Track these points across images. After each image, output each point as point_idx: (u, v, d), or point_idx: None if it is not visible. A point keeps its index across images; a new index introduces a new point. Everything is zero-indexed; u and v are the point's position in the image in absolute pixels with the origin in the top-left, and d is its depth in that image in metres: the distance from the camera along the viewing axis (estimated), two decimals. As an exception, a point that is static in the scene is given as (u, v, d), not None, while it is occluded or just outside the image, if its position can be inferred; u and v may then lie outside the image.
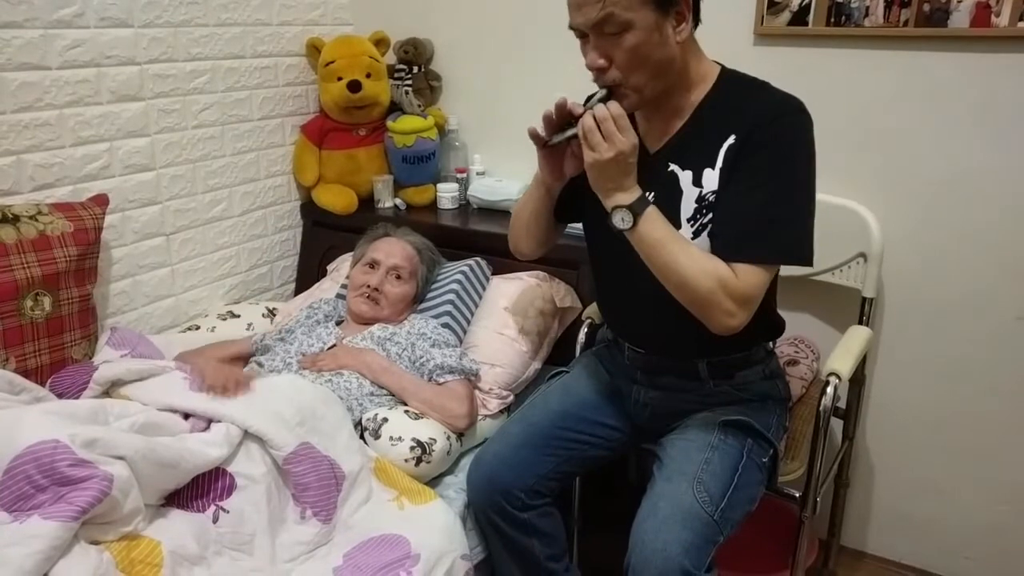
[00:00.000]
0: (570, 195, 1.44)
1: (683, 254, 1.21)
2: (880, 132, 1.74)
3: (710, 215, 1.28)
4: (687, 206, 1.30)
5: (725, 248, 1.24)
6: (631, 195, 1.22)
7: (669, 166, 1.31)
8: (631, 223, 1.22)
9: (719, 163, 1.27)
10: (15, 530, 1.04)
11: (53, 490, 1.09)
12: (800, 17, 1.73)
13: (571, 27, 1.24)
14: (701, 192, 1.29)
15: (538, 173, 1.42)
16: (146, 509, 1.20)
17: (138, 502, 1.17)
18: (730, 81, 1.32)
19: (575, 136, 1.25)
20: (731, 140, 1.26)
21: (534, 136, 1.31)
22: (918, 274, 1.79)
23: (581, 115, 1.22)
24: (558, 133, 1.29)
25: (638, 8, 1.17)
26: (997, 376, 1.76)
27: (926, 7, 1.61)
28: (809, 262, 1.24)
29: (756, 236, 1.22)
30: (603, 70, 1.23)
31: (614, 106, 1.20)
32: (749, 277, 1.21)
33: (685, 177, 1.30)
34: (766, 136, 1.22)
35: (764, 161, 1.22)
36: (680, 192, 1.30)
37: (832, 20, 1.70)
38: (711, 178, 1.28)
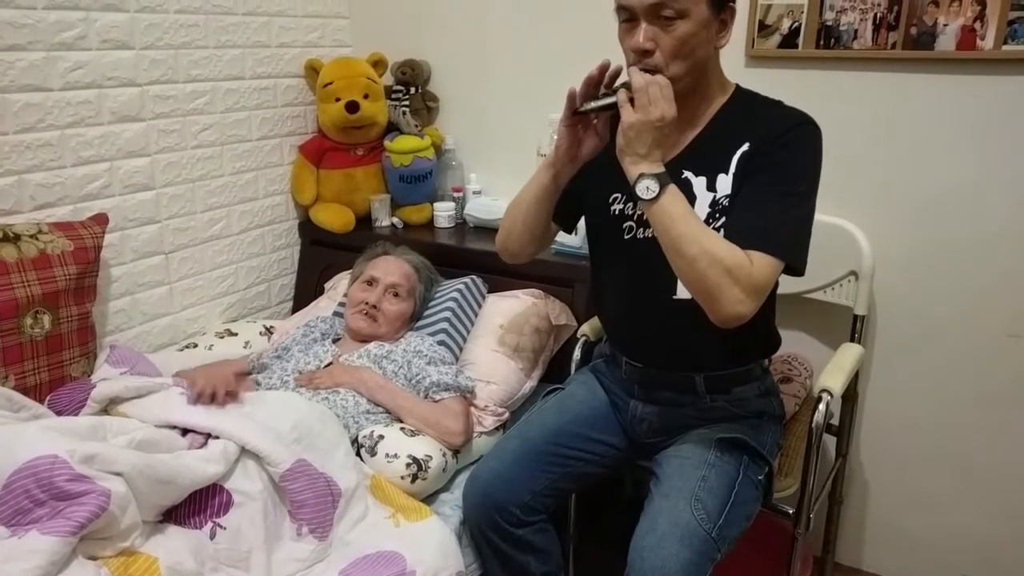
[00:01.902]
0: (570, 201, 1.46)
1: (703, 231, 1.21)
2: (869, 152, 1.77)
3: (723, 219, 1.30)
4: (700, 211, 1.31)
5: (741, 235, 1.24)
6: (658, 167, 1.22)
7: (683, 173, 1.33)
8: (656, 192, 1.20)
9: (732, 168, 1.30)
10: (13, 546, 1.05)
11: (51, 505, 1.09)
12: (790, 40, 1.76)
13: (621, 6, 1.25)
14: (715, 197, 1.31)
15: (548, 156, 1.40)
16: (144, 525, 1.21)
17: (136, 517, 1.17)
18: (746, 96, 1.36)
19: (607, 108, 1.25)
20: (745, 147, 1.29)
21: (571, 98, 1.29)
22: (909, 292, 1.81)
23: (620, 86, 1.22)
24: (590, 101, 1.28)
25: (698, 0, 1.21)
26: (989, 392, 1.77)
27: (913, 30, 1.64)
28: (803, 271, 1.27)
29: (773, 230, 1.24)
30: (647, 53, 1.24)
31: (661, 77, 1.21)
32: (763, 266, 1.21)
33: (699, 183, 1.32)
34: (780, 142, 1.26)
35: (778, 164, 1.26)
36: (693, 198, 1.32)
37: (821, 43, 1.73)
38: (724, 183, 1.30)
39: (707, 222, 1.30)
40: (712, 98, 1.35)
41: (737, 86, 1.37)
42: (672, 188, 1.22)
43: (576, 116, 1.31)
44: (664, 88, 1.20)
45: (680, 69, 1.25)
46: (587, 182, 1.42)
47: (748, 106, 1.34)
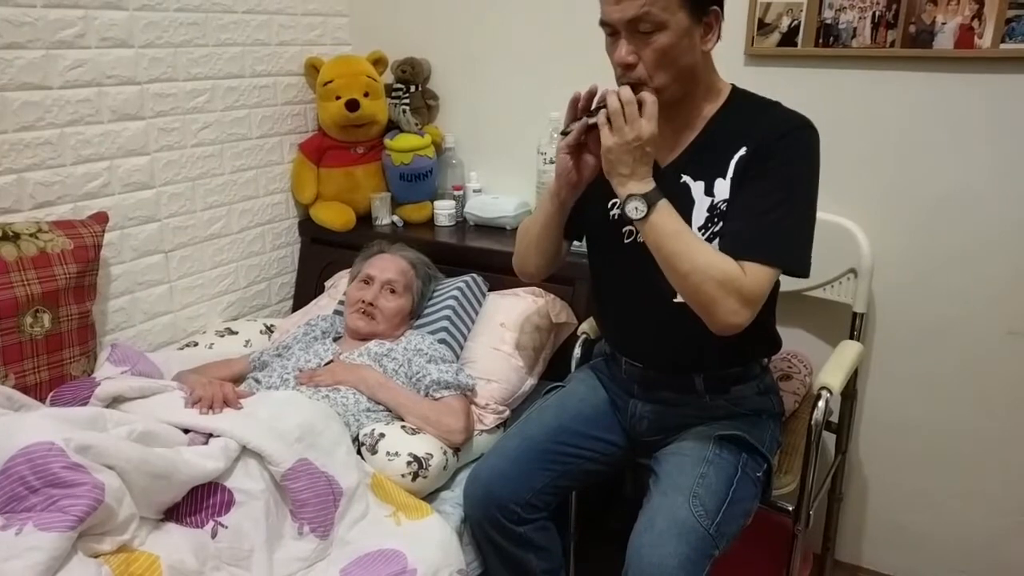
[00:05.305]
0: (574, 214, 1.46)
1: (695, 246, 1.23)
2: (868, 150, 1.77)
3: (721, 223, 1.31)
4: (699, 215, 1.32)
5: (734, 245, 1.25)
6: (646, 185, 1.23)
7: (681, 178, 1.34)
8: (644, 212, 1.22)
9: (730, 173, 1.30)
10: (12, 543, 1.04)
11: (46, 492, 1.08)
12: (789, 38, 1.76)
13: (603, 22, 1.26)
14: (713, 201, 1.31)
15: (551, 186, 1.41)
16: (144, 524, 1.21)
17: (132, 509, 1.17)
18: (742, 98, 1.36)
19: (592, 127, 1.26)
20: (743, 151, 1.29)
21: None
22: (908, 289, 1.81)
23: (600, 106, 1.23)
24: (575, 122, 1.29)
25: (675, 10, 1.20)
26: (988, 389, 1.78)
27: (912, 28, 1.64)
28: (806, 274, 1.27)
29: (765, 238, 1.24)
30: (631, 67, 1.25)
31: (645, 93, 1.22)
32: (757, 275, 1.22)
33: (697, 187, 1.33)
34: (777, 147, 1.26)
35: (774, 170, 1.25)
36: (692, 202, 1.32)
37: (820, 41, 1.73)
38: (722, 187, 1.31)
39: (705, 226, 1.31)
40: (707, 101, 1.35)
41: (733, 87, 1.37)
42: (662, 205, 1.23)
43: (563, 138, 1.32)
44: (648, 105, 1.21)
45: (665, 79, 1.25)
46: (587, 191, 1.42)
47: (745, 108, 1.34)
